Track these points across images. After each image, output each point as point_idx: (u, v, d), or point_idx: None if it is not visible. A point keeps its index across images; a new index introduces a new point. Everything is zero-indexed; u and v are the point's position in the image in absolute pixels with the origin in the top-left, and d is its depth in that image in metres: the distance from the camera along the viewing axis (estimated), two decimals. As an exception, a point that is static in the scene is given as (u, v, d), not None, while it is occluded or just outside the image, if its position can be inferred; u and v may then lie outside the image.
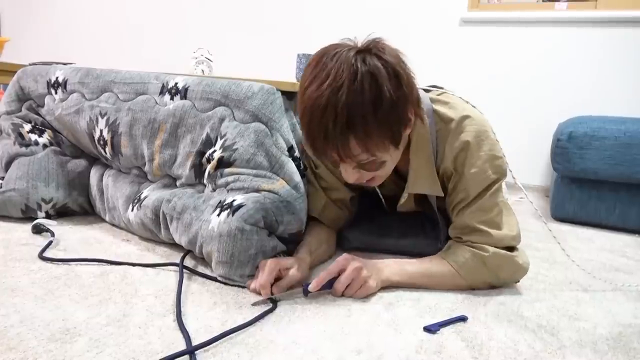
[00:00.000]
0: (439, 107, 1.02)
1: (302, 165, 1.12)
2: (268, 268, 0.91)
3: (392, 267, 1.01)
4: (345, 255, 0.95)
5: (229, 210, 0.96)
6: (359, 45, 0.86)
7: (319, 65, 0.85)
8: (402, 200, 1.09)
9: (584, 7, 2.48)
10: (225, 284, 0.96)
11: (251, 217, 0.95)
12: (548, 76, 2.56)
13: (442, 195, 1.05)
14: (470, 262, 0.98)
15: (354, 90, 0.81)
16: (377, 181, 0.99)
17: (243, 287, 0.95)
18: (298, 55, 1.63)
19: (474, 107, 1.05)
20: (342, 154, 0.87)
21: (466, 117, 0.99)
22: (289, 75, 1.91)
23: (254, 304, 0.87)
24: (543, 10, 2.54)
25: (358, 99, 0.81)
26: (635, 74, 2.40)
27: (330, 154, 0.88)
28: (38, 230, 1.17)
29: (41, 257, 1.01)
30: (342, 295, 0.94)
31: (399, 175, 1.12)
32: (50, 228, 1.18)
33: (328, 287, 0.93)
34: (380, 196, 1.21)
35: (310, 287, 0.90)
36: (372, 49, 0.85)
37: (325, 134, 0.84)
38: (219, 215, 0.97)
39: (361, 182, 0.98)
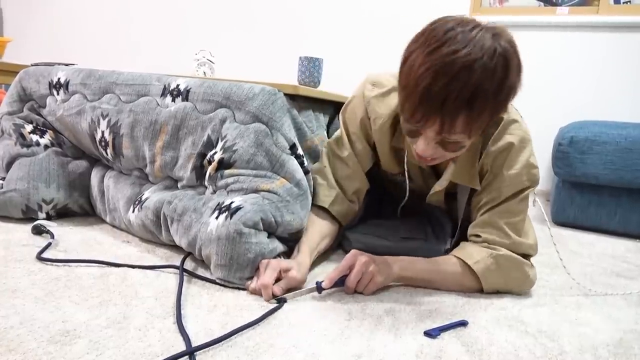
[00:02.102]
0: None
1: (305, 162, 1.12)
2: (269, 268, 0.92)
3: (402, 262, 1.01)
4: (353, 251, 0.97)
5: (227, 212, 0.96)
6: (484, 24, 0.84)
7: (449, 32, 0.80)
8: (438, 187, 1.10)
9: (585, 12, 2.48)
10: (224, 286, 0.96)
11: (249, 219, 0.95)
12: (549, 80, 2.56)
13: (479, 188, 1.05)
14: (485, 260, 0.99)
15: (490, 67, 0.79)
16: (437, 162, 0.97)
17: (242, 289, 0.94)
18: (300, 58, 1.63)
19: (521, 115, 1.07)
20: (445, 127, 0.83)
21: (514, 120, 1.02)
22: (291, 77, 1.91)
23: (270, 302, 0.88)
24: (545, 15, 2.54)
25: (489, 78, 0.79)
26: (636, 79, 2.40)
27: (432, 123, 0.84)
28: (38, 231, 1.17)
29: (39, 258, 1.01)
30: (355, 291, 0.96)
31: (433, 168, 1.13)
32: (50, 229, 1.18)
33: (340, 284, 0.94)
34: (407, 190, 1.20)
35: (324, 284, 0.91)
36: (503, 34, 0.83)
37: (443, 103, 0.80)
38: (217, 218, 0.97)
39: (426, 159, 0.94)
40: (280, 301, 0.88)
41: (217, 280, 0.97)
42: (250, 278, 0.95)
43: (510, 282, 1.02)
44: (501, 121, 1.00)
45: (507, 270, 1.00)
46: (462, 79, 0.78)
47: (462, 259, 1.01)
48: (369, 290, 0.95)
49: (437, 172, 1.13)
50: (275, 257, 0.99)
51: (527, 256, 1.03)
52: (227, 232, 0.94)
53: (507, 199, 1.01)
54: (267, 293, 0.89)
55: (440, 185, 1.10)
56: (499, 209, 1.01)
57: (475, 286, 1.01)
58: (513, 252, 1.00)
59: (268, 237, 1.00)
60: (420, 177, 1.17)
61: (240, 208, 0.96)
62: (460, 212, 1.12)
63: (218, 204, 1.00)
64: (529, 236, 1.03)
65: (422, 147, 0.90)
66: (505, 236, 1.00)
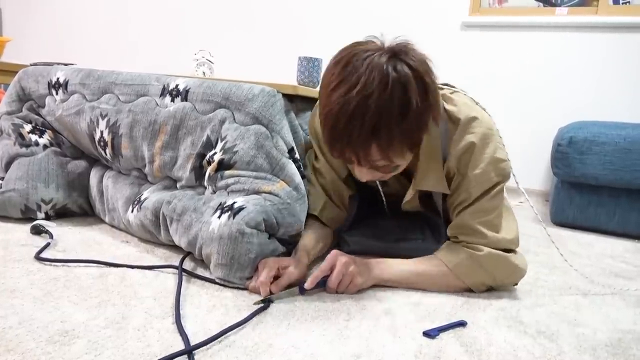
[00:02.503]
0: (449, 107, 1.02)
1: (302, 166, 1.12)
2: (268, 266, 0.93)
3: (383, 265, 1.02)
4: (334, 251, 0.97)
5: (229, 212, 0.96)
6: (387, 46, 0.85)
7: (347, 67, 0.83)
8: (408, 197, 1.10)
9: (584, 13, 2.49)
10: (224, 286, 0.96)
11: (252, 219, 0.95)
12: (548, 81, 2.56)
13: (449, 192, 1.05)
14: (465, 261, 0.99)
15: (384, 99, 0.80)
16: (389, 176, 0.99)
17: (242, 289, 0.94)
18: (299, 58, 1.63)
19: (484, 108, 1.05)
20: (362, 159, 0.87)
21: (474, 118, 0.99)
22: (290, 78, 1.91)
23: (255, 303, 0.87)
24: (544, 15, 2.55)
25: (386, 109, 0.80)
26: (635, 80, 2.41)
27: (349, 156, 0.88)
28: (37, 231, 1.17)
29: (38, 258, 1.01)
30: (337, 292, 0.96)
31: (405, 173, 1.12)
32: (49, 229, 1.17)
33: (322, 284, 0.95)
34: (382, 196, 1.21)
35: (306, 285, 0.92)
36: (402, 55, 0.83)
37: (348, 140, 0.84)
38: (219, 217, 0.97)
39: (371, 180, 0.99)
40: (266, 301, 0.88)
41: (217, 280, 0.97)
42: (251, 278, 0.95)
43: (497, 276, 1.00)
44: (458, 122, 0.99)
45: (490, 267, 0.99)
46: (358, 117, 0.80)
47: (443, 261, 1.01)
48: (349, 291, 0.96)
49: (407, 174, 1.11)
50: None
51: (508, 251, 1.01)
52: (229, 232, 0.94)
53: (477, 199, 0.99)
54: (265, 290, 0.90)
55: (409, 195, 1.09)
56: (471, 210, 1.00)
57: (462, 285, 1.01)
58: (494, 249, 0.99)
59: (268, 238, 1.00)
60: (394, 179, 1.15)
61: (243, 208, 0.96)
62: (438, 214, 1.12)
63: (220, 204, 1.00)
64: (508, 231, 1.01)
65: (358, 174, 0.96)
66: (481, 236, 0.99)
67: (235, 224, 0.94)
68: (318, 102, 0.92)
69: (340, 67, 0.84)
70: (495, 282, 1.02)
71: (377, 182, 1.18)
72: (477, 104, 1.06)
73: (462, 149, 0.99)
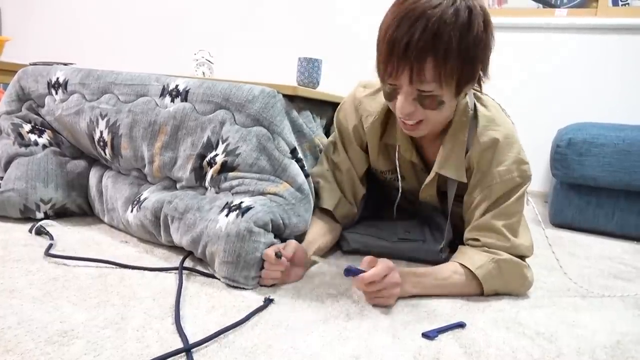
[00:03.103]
0: (479, 104, 1.06)
1: (305, 166, 1.13)
2: (270, 260, 0.94)
3: (410, 279, 0.97)
4: (390, 264, 0.91)
5: (238, 211, 0.97)
6: None
7: None
8: (427, 180, 1.11)
9: (584, 14, 2.49)
10: (228, 285, 0.95)
11: (260, 219, 0.96)
12: (548, 82, 2.57)
13: (466, 181, 1.05)
14: (487, 265, 0.98)
15: (450, 12, 0.83)
16: (421, 129, 0.97)
17: (242, 289, 0.94)
18: (299, 59, 1.63)
19: (508, 116, 1.09)
20: (414, 74, 0.86)
21: (500, 118, 1.04)
22: (289, 78, 1.91)
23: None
24: (543, 17, 2.55)
25: (451, 20, 0.83)
26: (634, 81, 2.41)
27: (401, 74, 0.87)
28: (38, 231, 1.17)
29: (47, 254, 1.02)
30: (364, 292, 0.91)
31: (425, 164, 1.13)
32: (49, 229, 1.17)
33: (354, 273, 0.88)
34: (400, 187, 1.21)
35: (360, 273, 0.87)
36: None
37: (407, 44, 0.83)
38: (227, 215, 0.97)
39: (408, 123, 0.96)
40: (266, 300, 0.89)
41: (221, 280, 0.96)
42: (255, 278, 0.96)
43: (509, 285, 1.02)
44: (485, 119, 1.02)
45: (507, 274, 1.00)
46: (422, 22, 0.83)
47: (464, 265, 1.00)
48: (378, 302, 0.91)
49: (427, 167, 1.13)
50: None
51: (523, 257, 1.03)
52: (237, 230, 0.94)
53: (501, 199, 1.00)
54: (269, 255, 0.93)
55: (429, 178, 1.10)
56: (497, 212, 1.01)
57: (477, 291, 1.01)
58: (512, 254, 1.00)
59: (274, 238, 1.01)
60: (412, 172, 1.17)
61: (251, 208, 0.97)
62: (449, 206, 1.12)
63: (227, 203, 1.01)
64: (525, 237, 1.04)
65: (401, 104, 0.92)
66: (504, 239, 1.00)
67: (243, 222, 0.94)
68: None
69: None
70: (506, 289, 1.02)
71: (397, 175, 1.18)
72: (503, 110, 1.09)
73: (486, 144, 1.01)
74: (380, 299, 0.91)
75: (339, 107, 1.23)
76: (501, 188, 1.00)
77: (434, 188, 1.13)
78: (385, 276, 0.88)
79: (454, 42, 0.84)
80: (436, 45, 0.83)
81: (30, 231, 1.17)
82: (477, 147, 1.01)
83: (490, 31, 0.89)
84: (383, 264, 0.90)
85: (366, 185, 1.25)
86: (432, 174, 1.09)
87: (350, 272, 0.88)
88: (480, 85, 0.99)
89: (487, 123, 1.02)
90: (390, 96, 0.95)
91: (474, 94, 1.08)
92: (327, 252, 1.20)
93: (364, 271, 0.88)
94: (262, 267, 0.96)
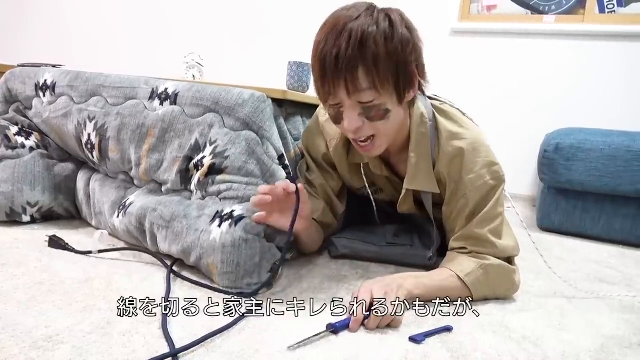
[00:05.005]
0: (439, 116, 1.06)
1: (292, 173, 1.13)
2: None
3: (411, 280, 0.95)
4: (367, 285, 0.89)
5: (230, 220, 0.96)
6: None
7: (344, 7, 0.92)
8: (401, 197, 1.11)
9: (571, 21, 2.52)
10: (227, 293, 0.94)
11: (254, 228, 0.96)
12: (536, 87, 2.59)
13: (439, 191, 1.06)
14: (475, 272, 0.99)
15: (370, 21, 0.87)
16: (377, 146, 0.97)
17: (245, 295, 0.93)
18: (289, 62, 1.63)
19: (471, 119, 1.09)
20: (350, 85, 0.88)
21: (461, 128, 1.03)
22: (279, 82, 1.91)
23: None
24: (532, 23, 2.58)
25: (372, 28, 0.86)
26: (620, 87, 2.44)
27: (338, 89, 0.89)
28: (55, 245, 1.12)
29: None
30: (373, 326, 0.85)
31: (399, 177, 1.13)
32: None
33: (341, 325, 0.83)
34: (373, 202, 1.22)
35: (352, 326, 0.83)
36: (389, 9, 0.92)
37: (337, 56, 0.86)
38: (219, 226, 0.97)
39: (361, 143, 0.97)
40: (273, 270, 0.91)
41: (222, 289, 0.95)
42: (257, 283, 0.95)
43: (498, 290, 1.03)
44: (446, 131, 1.02)
45: (495, 279, 1.00)
46: (346, 34, 0.86)
47: (453, 271, 1.00)
48: (392, 323, 0.86)
49: (401, 178, 1.12)
50: (275, 263, 0.99)
51: (511, 257, 1.04)
52: (232, 239, 0.94)
53: (480, 206, 1.01)
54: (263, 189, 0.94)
55: (402, 194, 1.11)
56: (478, 219, 1.01)
57: (468, 295, 1.01)
58: (499, 257, 1.01)
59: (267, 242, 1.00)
60: (389, 185, 1.18)
61: (243, 217, 0.96)
62: (431, 216, 1.13)
63: (217, 212, 1.00)
64: (508, 237, 1.04)
65: (347, 120, 0.93)
66: (491, 245, 1.01)
67: (238, 232, 0.94)
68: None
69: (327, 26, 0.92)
70: (494, 294, 1.03)
71: (369, 191, 1.19)
72: (464, 114, 1.09)
73: (451, 154, 1.01)
74: (387, 317, 0.85)
75: (304, 130, 1.24)
76: (476, 194, 1.00)
77: (410, 201, 1.14)
78: (371, 301, 0.85)
79: (381, 47, 0.86)
80: (363, 53, 0.86)
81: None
82: (444, 158, 1.02)
83: (415, 34, 0.92)
84: (361, 293, 0.87)
85: (345, 201, 1.25)
86: (403, 191, 1.10)
87: (336, 326, 0.81)
88: (422, 91, 1.00)
89: (449, 134, 1.02)
90: (337, 118, 0.96)
91: (432, 104, 1.08)
92: (315, 256, 1.20)
93: (347, 321, 0.83)
94: (262, 272, 0.96)
